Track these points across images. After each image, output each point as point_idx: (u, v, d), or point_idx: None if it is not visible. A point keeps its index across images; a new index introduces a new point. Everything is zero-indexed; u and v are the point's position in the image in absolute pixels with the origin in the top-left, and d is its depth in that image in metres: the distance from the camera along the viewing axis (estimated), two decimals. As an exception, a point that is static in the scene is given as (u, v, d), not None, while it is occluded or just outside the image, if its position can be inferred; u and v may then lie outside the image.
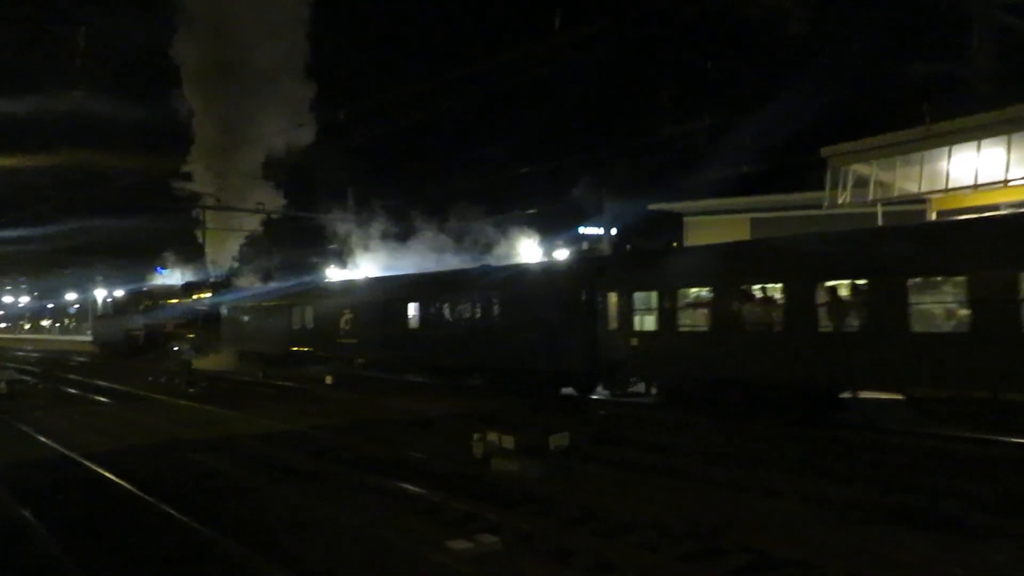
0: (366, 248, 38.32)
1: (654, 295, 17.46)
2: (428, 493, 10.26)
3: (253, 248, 46.54)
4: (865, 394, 15.26)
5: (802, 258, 15.38)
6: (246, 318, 35.70)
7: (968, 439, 13.03)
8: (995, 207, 22.80)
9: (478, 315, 22.27)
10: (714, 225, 36.76)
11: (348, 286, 31.41)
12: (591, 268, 20.16)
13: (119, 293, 60.56)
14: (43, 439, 15.76)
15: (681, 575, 7.33)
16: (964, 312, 12.83)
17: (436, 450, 13.54)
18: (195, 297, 42.79)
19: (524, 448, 12.55)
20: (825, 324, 14.46)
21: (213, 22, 46.66)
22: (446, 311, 23.55)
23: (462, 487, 10.66)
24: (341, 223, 41.22)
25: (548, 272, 22.69)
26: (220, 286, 42.10)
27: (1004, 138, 22.93)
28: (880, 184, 26.79)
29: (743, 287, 16.05)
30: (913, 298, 13.25)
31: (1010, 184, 22.98)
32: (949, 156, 24.53)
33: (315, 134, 43.65)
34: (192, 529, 8.92)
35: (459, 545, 8.00)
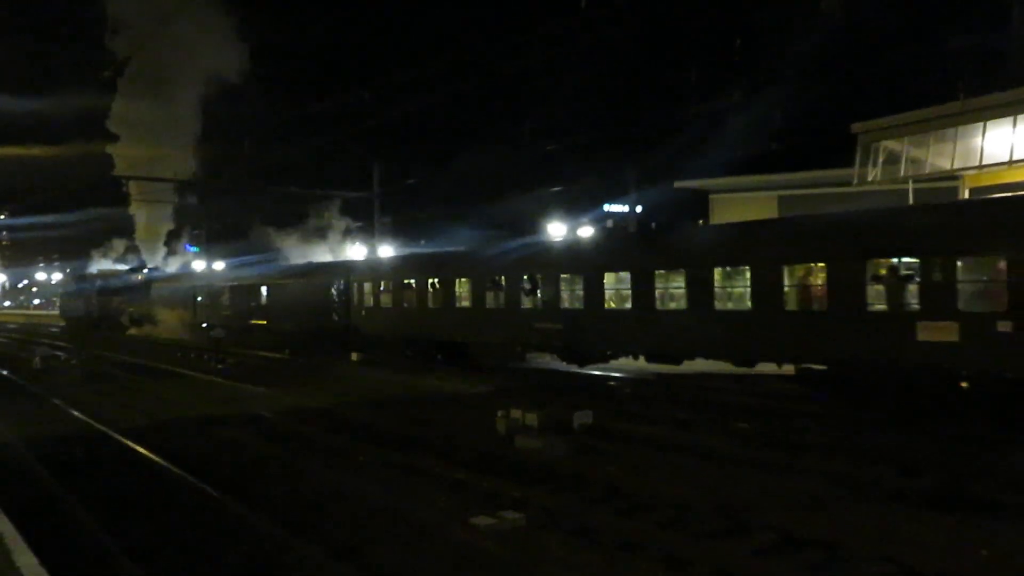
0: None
1: (370, 284, 27.72)
2: (452, 470, 10.34)
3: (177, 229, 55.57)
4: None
5: (429, 263, 26.47)
6: (167, 295, 45.85)
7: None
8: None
9: (294, 294, 32.12)
10: (741, 203, 36.14)
11: (230, 274, 41.24)
12: (352, 265, 30.69)
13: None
14: (76, 413, 16.09)
15: (704, 553, 7.31)
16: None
17: (460, 427, 13.63)
18: (137, 277, 52.03)
19: (548, 425, 12.60)
20: (433, 303, 24.41)
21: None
22: (279, 292, 34.03)
23: (486, 464, 10.74)
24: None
25: (332, 267, 32.11)
26: (153, 270, 54.09)
27: (1041, 113, 22.37)
28: (912, 161, 26.29)
29: (405, 280, 26.15)
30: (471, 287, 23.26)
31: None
32: (984, 132, 23.97)
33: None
34: (222, 504, 9.08)
35: (483, 521, 8.07)
